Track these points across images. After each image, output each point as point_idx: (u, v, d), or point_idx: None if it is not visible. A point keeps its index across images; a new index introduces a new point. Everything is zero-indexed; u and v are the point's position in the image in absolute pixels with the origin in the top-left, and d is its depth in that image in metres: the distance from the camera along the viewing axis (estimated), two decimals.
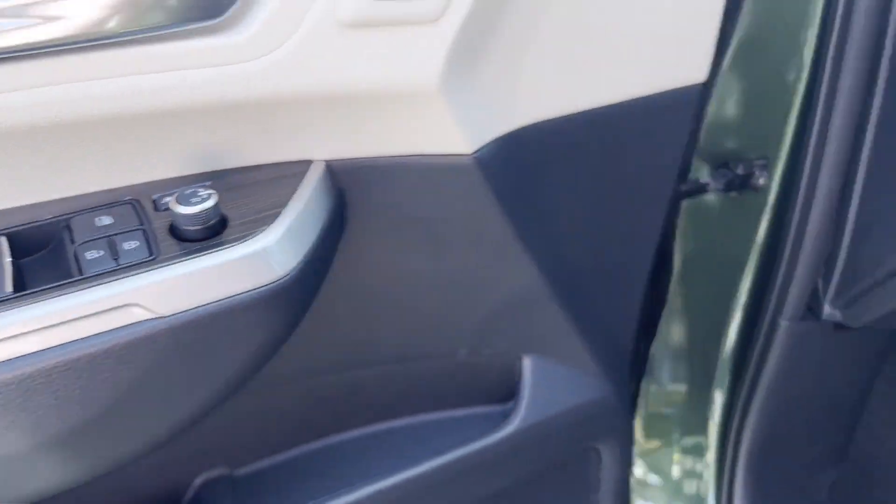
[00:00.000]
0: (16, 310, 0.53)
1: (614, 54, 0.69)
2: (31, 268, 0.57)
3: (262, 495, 0.85)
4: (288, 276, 0.60)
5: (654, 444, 1.21)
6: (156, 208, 0.62)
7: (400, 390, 0.88)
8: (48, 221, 0.60)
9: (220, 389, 0.61)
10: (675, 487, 1.21)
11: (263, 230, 0.59)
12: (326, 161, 0.67)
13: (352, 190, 0.69)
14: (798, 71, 0.84)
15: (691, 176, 0.98)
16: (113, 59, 0.56)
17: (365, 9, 0.58)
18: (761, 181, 0.93)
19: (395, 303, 0.79)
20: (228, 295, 0.57)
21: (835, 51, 0.77)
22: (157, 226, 0.61)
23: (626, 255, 0.84)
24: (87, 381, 0.54)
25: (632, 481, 1.13)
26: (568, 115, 0.68)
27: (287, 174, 0.65)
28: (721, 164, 0.95)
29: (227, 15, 0.56)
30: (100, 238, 0.58)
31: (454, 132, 0.65)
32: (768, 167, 0.93)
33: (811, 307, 0.94)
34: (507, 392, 0.89)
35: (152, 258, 0.57)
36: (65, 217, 0.60)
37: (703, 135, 0.94)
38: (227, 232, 0.60)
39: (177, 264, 0.57)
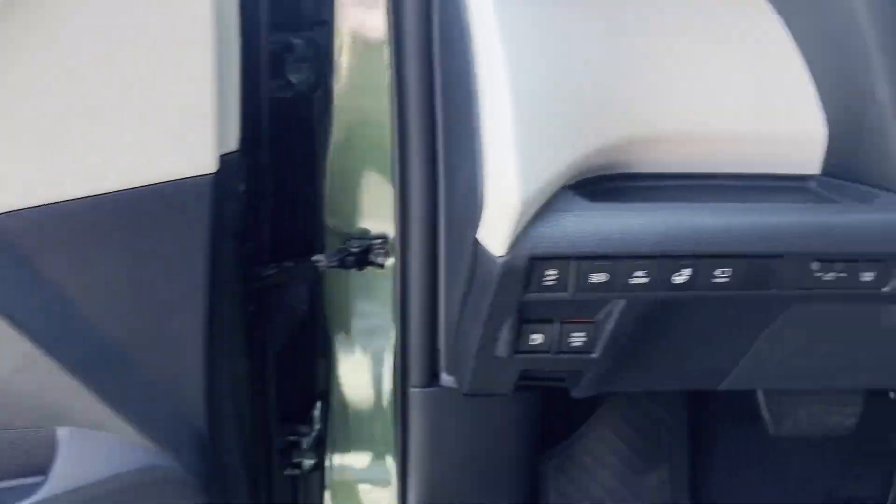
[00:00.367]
0: None
1: (111, 144, 0.74)
2: None
3: None
4: None
5: None
6: None
7: None
8: None
9: None
10: None
11: None
12: None
13: None
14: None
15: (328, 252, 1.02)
16: None
17: None
18: (380, 259, 0.98)
19: None
20: None
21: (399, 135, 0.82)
22: None
23: (173, 333, 0.87)
24: None
25: None
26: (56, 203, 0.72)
27: None
28: (345, 241, 1.00)
29: None
30: None
31: None
32: (389, 244, 0.98)
33: (437, 373, 0.99)
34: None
35: None
36: None
37: (325, 214, 1.00)
38: None
39: None
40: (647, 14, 0.71)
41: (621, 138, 0.73)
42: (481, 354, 0.84)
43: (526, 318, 0.80)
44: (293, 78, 0.96)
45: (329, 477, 1.22)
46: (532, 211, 0.66)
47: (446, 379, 0.96)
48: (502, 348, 0.80)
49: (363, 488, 1.21)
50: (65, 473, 0.84)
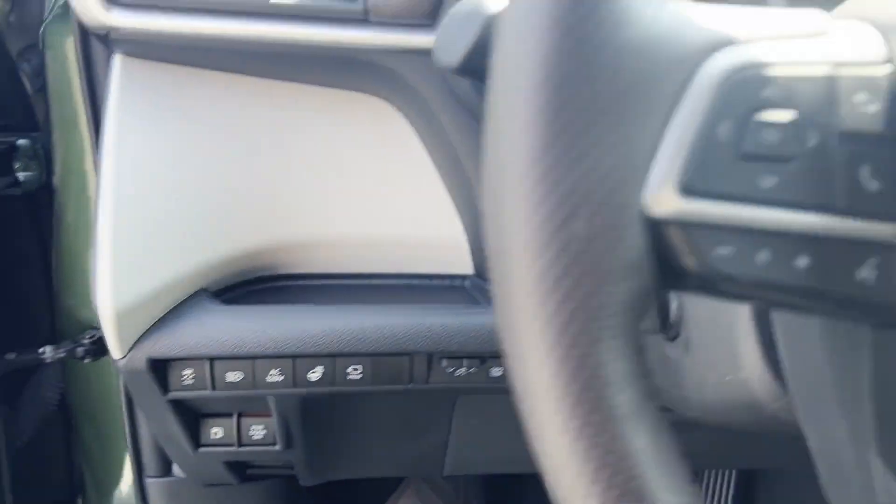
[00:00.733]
0: None
1: None
2: None
3: None
4: None
5: None
6: None
7: None
8: None
9: None
10: None
11: None
12: None
13: None
14: None
15: None
16: None
17: None
18: None
19: None
20: None
21: None
22: None
23: None
24: None
25: None
26: None
27: None
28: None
29: None
30: None
31: None
32: None
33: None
34: None
35: None
36: None
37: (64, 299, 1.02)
38: None
39: None
40: (290, 126, 0.77)
41: (269, 243, 0.77)
42: (171, 450, 0.87)
43: (206, 413, 0.83)
44: (21, 175, 0.99)
45: None
46: (146, 315, 0.69)
47: (177, 468, 0.98)
48: (184, 444, 0.83)
49: None
50: None
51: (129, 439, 1.00)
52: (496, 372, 0.77)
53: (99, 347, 1.02)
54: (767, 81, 0.28)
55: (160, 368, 0.72)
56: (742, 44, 0.28)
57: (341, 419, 0.87)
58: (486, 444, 0.93)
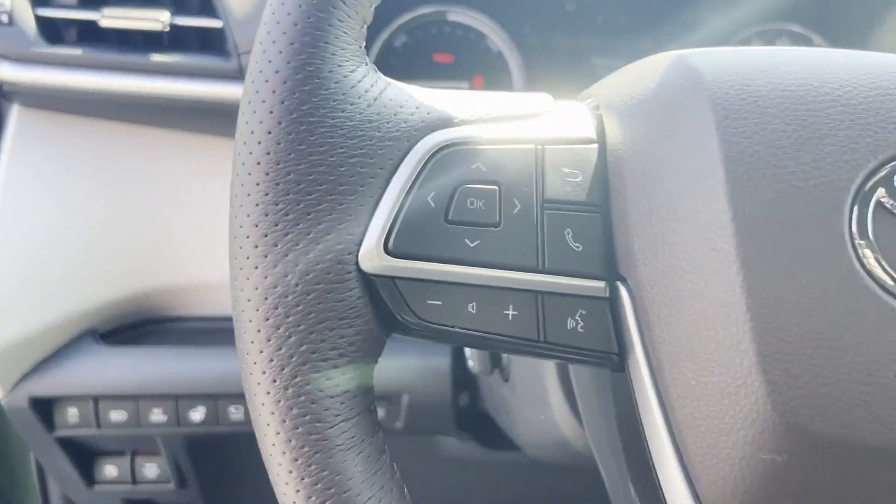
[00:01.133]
0: None
1: None
2: None
3: None
4: None
5: None
6: None
7: None
8: None
9: None
10: None
11: None
12: None
13: None
14: None
15: None
16: None
17: None
18: None
19: None
20: None
21: None
22: None
23: None
24: None
25: None
26: None
27: None
28: None
29: None
30: None
31: None
32: None
33: None
34: None
35: None
36: None
37: None
38: None
39: None
40: (173, 173, 0.80)
41: (155, 287, 0.80)
42: (66, 487, 0.88)
43: (101, 451, 0.85)
44: None
45: None
46: (28, 354, 0.72)
47: None
48: (77, 481, 0.85)
49: None
50: None
51: (35, 476, 1.02)
52: None
53: None
54: (475, 157, 0.32)
55: (44, 406, 0.74)
56: (456, 125, 0.33)
57: (233, 458, 0.90)
58: None
